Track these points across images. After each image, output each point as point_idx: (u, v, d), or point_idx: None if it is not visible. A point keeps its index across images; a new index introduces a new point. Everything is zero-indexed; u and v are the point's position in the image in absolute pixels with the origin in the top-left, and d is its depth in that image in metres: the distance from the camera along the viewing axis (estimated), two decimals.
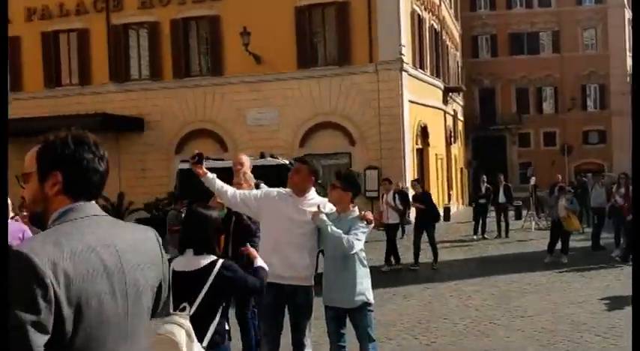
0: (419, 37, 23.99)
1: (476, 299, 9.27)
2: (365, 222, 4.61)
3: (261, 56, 21.56)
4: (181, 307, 3.31)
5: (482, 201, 17.93)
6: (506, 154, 42.55)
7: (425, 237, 12.56)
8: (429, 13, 26.08)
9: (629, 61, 37.36)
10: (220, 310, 3.43)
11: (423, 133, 24.07)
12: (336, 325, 4.73)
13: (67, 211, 1.76)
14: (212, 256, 3.47)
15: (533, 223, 19.49)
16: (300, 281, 4.58)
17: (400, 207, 13.15)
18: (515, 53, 43.00)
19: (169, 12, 22.75)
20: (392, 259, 12.55)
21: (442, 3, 29.10)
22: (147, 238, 1.92)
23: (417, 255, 12.53)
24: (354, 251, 4.51)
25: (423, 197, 13.14)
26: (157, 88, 22.89)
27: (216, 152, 19.34)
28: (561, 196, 12.84)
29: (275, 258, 4.37)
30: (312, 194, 4.70)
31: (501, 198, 17.74)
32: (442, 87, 28.05)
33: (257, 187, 5.53)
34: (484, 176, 18.64)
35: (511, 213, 19.65)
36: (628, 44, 39.14)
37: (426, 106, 24.38)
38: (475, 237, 17.54)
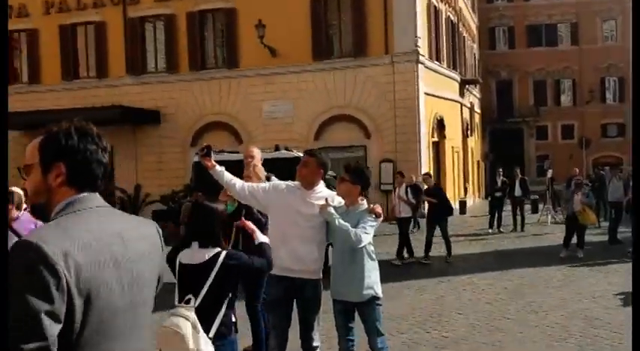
0: (435, 29, 23.82)
1: (490, 293, 9.22)
2: (374, 215, 4.57)
3: (277, 49, 21.55)
4: (186, 299, 3.32)
5: (498, 194, 17.84)
6: (524, 147, 42.13)
7: (438, 231, 12.52)
8: (445, 4, 25.87)
9: None
10: (226, 302, 3.43)
11: (440, 125, 23.92)
12: (344, 318, 4.70)
13: (72, 202, 1.76)
14: (217, 248, 3.47)
15: (550, 216, 19.33)
16: (308, 275, 4.55)
17: (412, 201, 13.09)
18: (532, 45, 42.51)
19: (185, 5, 22.80)
20: (404, 253, 12.51)
21: None
22: (150, 231, 1.94)
23: (427, 249, 12.48)
24: (362, 245, 4.46)
25: (435, 191, 13.07)
26: (173, 81, 22.98)
27: (231, 145, 19.38)
28: (577, 190, 12.72)
29: (283, 251, 4.36)
30: (321, 187, 4.67)
31: (517, 191, 17.64)
32: (459, 79, 27.85)
33: (268, 179, 5.48)
34: (500, 169, 18.54)
35: (527, 207, 19.50)
36: None
37: (442, 99, 24.22)
38: (490, 231, 17.46)
